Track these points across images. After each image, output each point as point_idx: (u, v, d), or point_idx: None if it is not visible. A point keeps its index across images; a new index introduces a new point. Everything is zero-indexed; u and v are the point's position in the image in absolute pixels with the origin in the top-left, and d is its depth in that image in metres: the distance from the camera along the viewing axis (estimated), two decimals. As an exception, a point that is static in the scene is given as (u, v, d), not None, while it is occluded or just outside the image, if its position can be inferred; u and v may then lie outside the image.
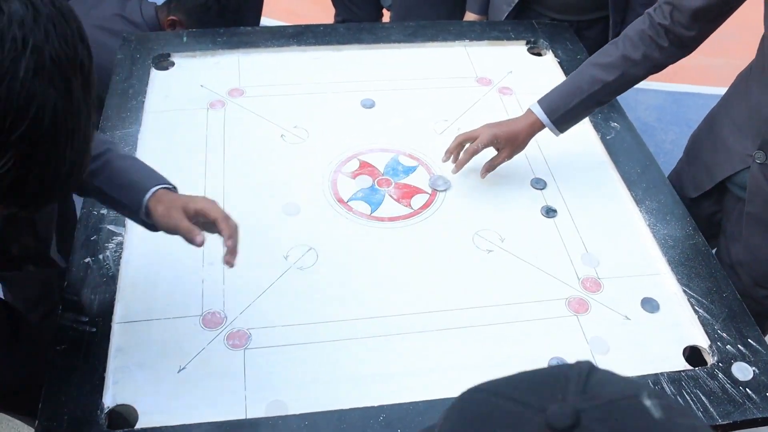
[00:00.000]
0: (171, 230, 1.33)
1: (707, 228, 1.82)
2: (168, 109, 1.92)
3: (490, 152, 1.73)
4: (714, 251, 1.75)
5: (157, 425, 1.29)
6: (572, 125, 1.74)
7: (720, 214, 1.83)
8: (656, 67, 1.64)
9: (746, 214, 1.65)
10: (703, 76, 3.08)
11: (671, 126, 3.52)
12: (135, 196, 1.32)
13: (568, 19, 2.29)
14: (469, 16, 2.46)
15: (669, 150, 2.85)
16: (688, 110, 3.46)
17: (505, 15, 2.28)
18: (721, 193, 1.78)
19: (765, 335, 1.86)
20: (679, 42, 1.59)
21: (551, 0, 2.26)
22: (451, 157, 1.74)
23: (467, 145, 1.71)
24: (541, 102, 1.70)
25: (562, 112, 1.68)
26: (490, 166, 1.74)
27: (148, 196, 1.32)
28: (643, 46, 1.60)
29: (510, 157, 1.73)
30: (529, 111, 1.71)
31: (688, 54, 1.64)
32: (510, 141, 1.70)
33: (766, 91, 1.55)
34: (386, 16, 3.00)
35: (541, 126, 1.70)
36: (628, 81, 1.66)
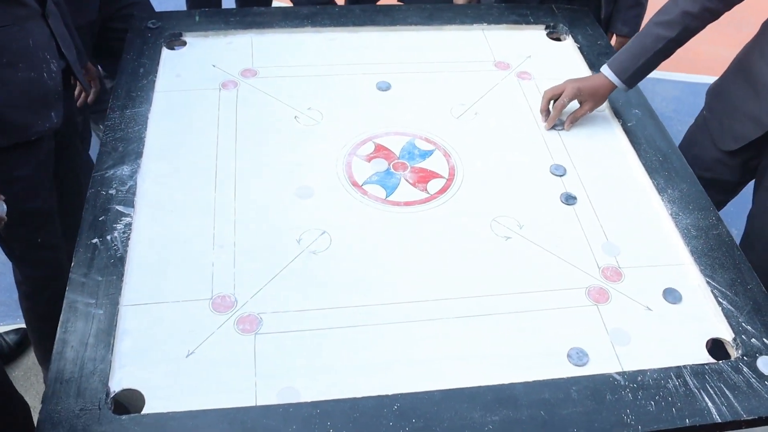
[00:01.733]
0: None
1: (741, 176, 1.92)
2: (179, 89, 1.88)
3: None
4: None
5: (164, 411, 1.25)
6: (640, 80, 1.87)
7: (757, 160, 1.86)
8: (714, 15, 1.75)
9: None
10: (722, 67, 3.01)
11: (688, 117, 3.43)
12: None
13: None
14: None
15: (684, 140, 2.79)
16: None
17: None
18: (765, 138, 1.80)
19: None
20: None
21: None
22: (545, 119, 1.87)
23: (555, 101, 1.85)
24: (610, 64, 1.84)
25: (631, 72, 1.82)
26: (574, 118, 1.86)
27: None
28: None
29: (592, 109, 1.87)
30: (601, 73, 1.85)
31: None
32: (592, 94, 1.85)
33: None
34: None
35: (614, 85, 1.84)
36: (689, 33, 1.77)
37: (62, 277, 1.49)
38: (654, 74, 3.68)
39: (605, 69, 1.84)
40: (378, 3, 2.56)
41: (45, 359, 2.14)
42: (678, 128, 3.45)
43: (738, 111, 1.82)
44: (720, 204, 2.07)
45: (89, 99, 2.08)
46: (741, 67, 1.84)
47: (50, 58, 1.73)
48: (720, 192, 2.01)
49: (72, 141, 2.00)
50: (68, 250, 1.78)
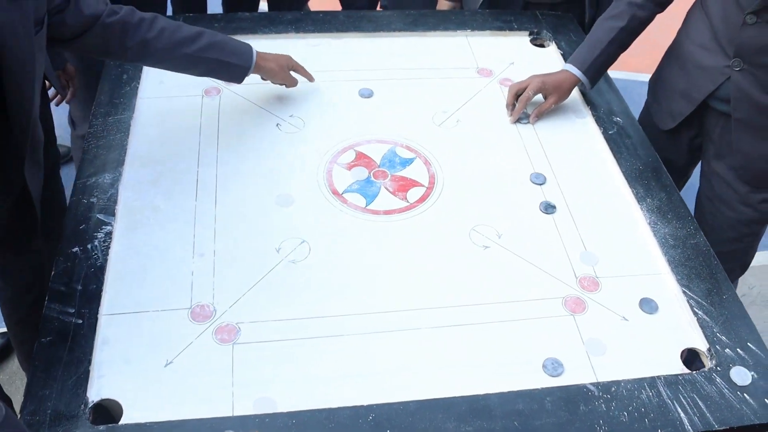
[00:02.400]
0: (280, 80, 1.86)
1: (688, 155, 2.00)
2: (162, 96, 1.88)
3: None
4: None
5: (143, 421, 1.26)
6: (600, 76, 1.96)
7: (699, 138, 1.95)
8: (658, 6, 1.86)
9: (734, 121, 1.78)
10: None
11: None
12: (245, 57, 1.76)
13: (543, 2, 2.30)
14: (443, 4, 2.44)
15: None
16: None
17: (480, 2, 2.30)
18: (701, 115, 1.90)
19: (755, 251, 2.03)
20: None
21: None
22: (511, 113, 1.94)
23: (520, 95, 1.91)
24: (571, 59, 1.94)
25: (589, 63, 1.90)
26: (539, 112, 1.92)
27: (255, 55, 1.77)
28: None
29: (557, 103, 1.93)
30: (564, 69, 1.93)
31: None
32: (556, 87, 1.91)
33: (727, 1, 1.70)
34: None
35: (577, 79, 1.92)
36: (638, 23, 1.88)
37: (43, 282, 1.50)
38: (639, 77, 3.71)
39: (567, 64, 1.93)
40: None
41: (28, 364, 2.15)
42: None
43: (672, 91, 1.92)
44: (677, 186, 2.11)
45: (66, 99, 2.08)
46: (672, 52, 1.95)
47: None
48: (673, 173, 2.03)
49: (48, 146, 2.00)
50: (49, 254, 1.79)
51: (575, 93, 2.00)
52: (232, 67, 1.74)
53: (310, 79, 1.90)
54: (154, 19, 1.62)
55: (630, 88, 3.64)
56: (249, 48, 1.77)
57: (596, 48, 1.89)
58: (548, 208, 1.68)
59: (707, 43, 1.80)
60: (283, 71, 1.84)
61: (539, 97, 1.92)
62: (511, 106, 1.92)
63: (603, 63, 1.92)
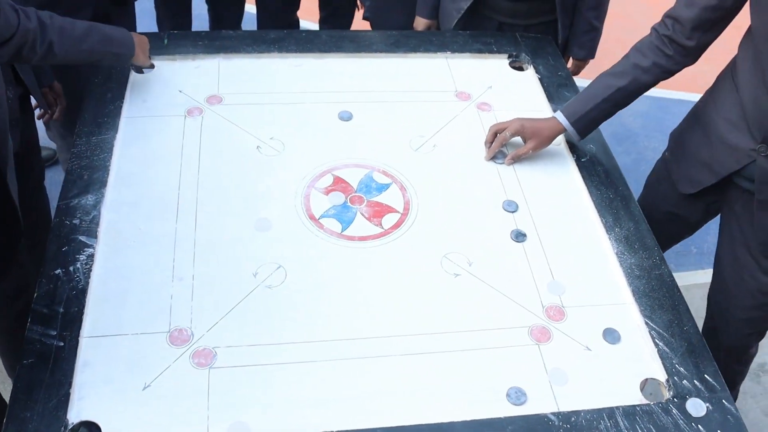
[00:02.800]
0: (141, 63, 1.98)
1: (704, 214, 2.01)
2: (145, 115, 1.92)
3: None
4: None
5: (120, 444, 1.31)
6: (592, 129, 1.93)
7: (718, 204, 1.95)
8: (665, 72, 1.82)
9: (757, 202, 1.77)
10: (690, 83, 3.09)
11: (655, 133, 3.54)
12: (128, 46, 1.89)
13: (517, 23, 2.34)
14: (419, 22, 2.49)
15: (651, 158, 2.84)
16: (673, 117, 3.44)
17: (455, 21, 2.33)
18: (724, 187, 1.87)
19: None
20: (683, 50, 1.76)
21: (500, 5, 2.30)
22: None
23: (498, 134, 1.90)
24: (563, 108, 1.91)
25: (579, 116, 1.88)
26: (515, 156, 1.91)
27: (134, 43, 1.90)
28: (652, 55, 1.79)
29: (534, 150, 1.91)
30: (553, 116, 1.91)
31: (693, 62, 1.81)
32: (535, 134, 1.90)
33: (759, 86, 1.66)
34: None
35: (563, 129, 1.90)
36: (639, 86, 1.84)
37: (29, 294, 1.53)
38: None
39: (557, 112, 1.91)
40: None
41: (13, 372, 2.18)
42: (644, 143, 3.53)
43: (694, 157, 1.89)
44: (683, 236, 2.19)
45: (55, 116, 2.12)
46: (697, 116, 1.91)
47: (6, 85, 1.76)
48: (685, 228, 2.11)
49: (34, 161, 2.04)
50: (34, 266, 1.83)
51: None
52: (121, 56, 1.88)
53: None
54: (52, 19, 1.68)
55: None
56: (129, 37, 1.90)
57: (590, 102, 1.86)
58: (519, 236, 1.73)
59: (735, 120, 1.75)
60: (145, 54, 1.98)
61: (518, 139, 1.92)
62: (489, 143, 1.92)
63: (595, 118, 1.89)
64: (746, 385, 2.68)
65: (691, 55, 1.78)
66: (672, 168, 1.99)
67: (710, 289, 2.09)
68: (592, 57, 2.46)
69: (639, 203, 1.88)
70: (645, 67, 1.80)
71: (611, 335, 1.55)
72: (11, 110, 1.78)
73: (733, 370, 2.19)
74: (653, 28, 1.80)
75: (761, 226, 1.78)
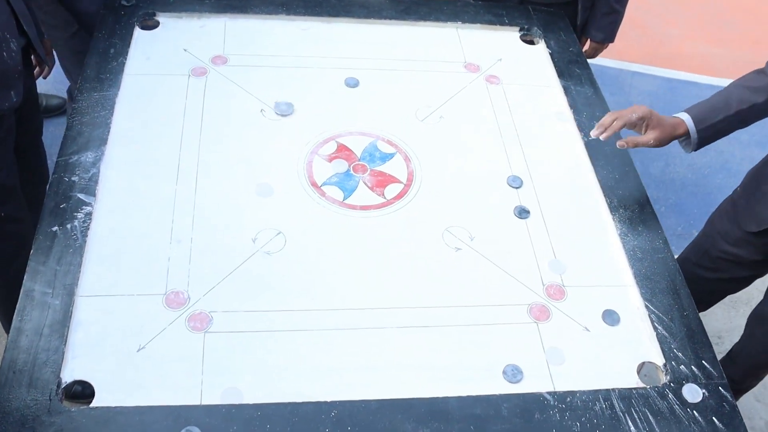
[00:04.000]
0: None
1: (763, 254, 1.90)
2: (149, 73, 1.89)
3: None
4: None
5: (113, 404, 1.30)
6: (711, 141, 1.77)
7: None
8: None
9: None
10: (702, 65, 3.03)
11: (662, 113, 3.48)
12: None
13: (538, 2, 2.29)
14: None
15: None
16: (682, 98, 3.43)
17: None
18: None
19: None
20: None
21: None
22: (603, 129, 1.73)
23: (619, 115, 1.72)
24: (689, 110, 1.74)
25: (708, 124, 1.72)
26: (633, 142, 1.73)
27: None
28: None
29: (655, 142, 1.73)
30: (678, 117, 1.75)
31: None
32: (660, 125, 1.72)
33: None
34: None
35: (686, 132, 1.74)
36: None
37: (28, 250, 1.52)
38: (632, 67, 3.72)
39: (683, 113, 1.76)
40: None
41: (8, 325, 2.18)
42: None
43: (763, 195, 1.81)
44: (744, 280, 2.09)
45: (44, 75, 2.08)
46: None
47: (10, 36, 1.73)
48: (742, 269, 2.02)
49: (33, 115, 2.01)
50: (34, 222, 1.81)
51: (560, 93, 2.02)
52: None
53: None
54: None
55: (621, 77, 3.66)
56: None
57: (721, 113, 1.71)
58: (522, 212, 1.71)
59: None
60: None
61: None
62: (603, 125, 1.72)
63: (719, 130, 1.75)
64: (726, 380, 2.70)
65: None
66: (739, 204, 1.90)
67: (751, 317, 2.07)
68: (611, 41, 2.41)
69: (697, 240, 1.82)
70: None
71: (610, 317, 1.54)
72: (15, 62, 1.75)
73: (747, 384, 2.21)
74: None
75: None
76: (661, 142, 1.74)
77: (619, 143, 1.73)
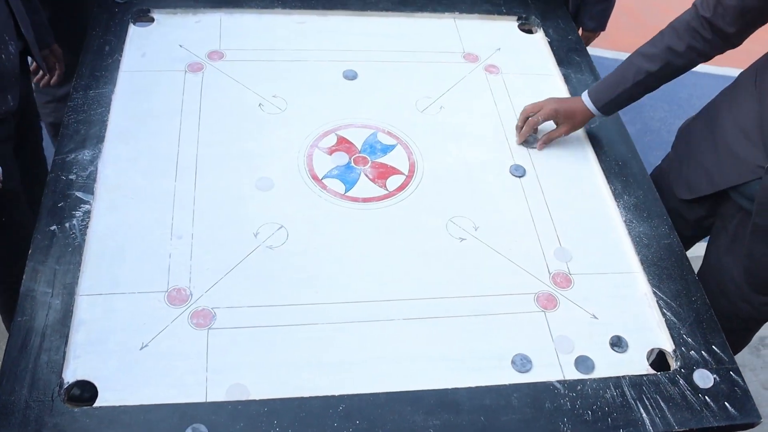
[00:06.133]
0: None
1: (694, 231, 1.87)
2: (145, 70, 1.86)
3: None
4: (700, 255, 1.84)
5: (117, 404, 1.28)
6: (619, 109, 1.83)
7: (711, 219, 1.82)
8: (700, 56, 1.67)
9: (753, 225, 1.64)
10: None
11: (660, 103, 3.48)
12: None
13: None
14: None
15: (656, 128, 2.81)
16: (680, 88, 3.42)
17: None
18: (719, 200, 1.77)
19: (747, 343, 1.96)
20: (722, 36, 1.61)
21: None
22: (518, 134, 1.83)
23: (530, 118, 1.80)
24: (589, 91, 1.80)
25: (606, 101, 1.77)
26: (547, 139, 1.83)
27: None
28: (688, 38, 1.64)
29: (568, 132, 1.83)
30: (580, 98, 1.81)
31: (733, 47, 1.65)
32: (569, 117, 1.80)
33: None
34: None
35: (592, 114, 1.80)
36: (672, 71, 1.70)
37: None
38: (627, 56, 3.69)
39: (584, 95, 1.80)
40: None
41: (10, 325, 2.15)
42: (649, 114, 3.48)
43: (697, 163, 1.78)
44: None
45: (53, 81, 2.05)
46: (710, 117, 1.79)
47: (8, 39, 1.70)
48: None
49: (31, 119, 1.99)
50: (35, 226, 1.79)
51: (560, 82, 2.00)
52: None
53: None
54: None
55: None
56: None
57: (619, 86, 1.75)
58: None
59: (749, 131, 1.62)
60: None
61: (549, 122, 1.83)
62: (520, 128, 1.82)
63: (621, 102, 1.78)
64: (746, 359, 2.68)
65: (730, 42, 1.62)
66: (672, 167, 1.88)
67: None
68: (603, 29, 2.40)
69: None
70: (679, 52, 1.65)
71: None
72: (13, 65, 1.73)
73: None
74: (694, 5, 1.64)
75: (752, 252, 1.67)
76: (574, 130, 1.84)
77: (539, 147, 1.82)
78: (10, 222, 1.87)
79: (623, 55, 3.65)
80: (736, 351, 1.96)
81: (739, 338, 1.93)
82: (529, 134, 1.82)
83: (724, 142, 1.69)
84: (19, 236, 1.91)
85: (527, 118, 1.80)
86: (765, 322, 1.85)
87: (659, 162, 1.98)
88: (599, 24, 2.34)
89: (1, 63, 1.68)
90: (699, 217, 1.84)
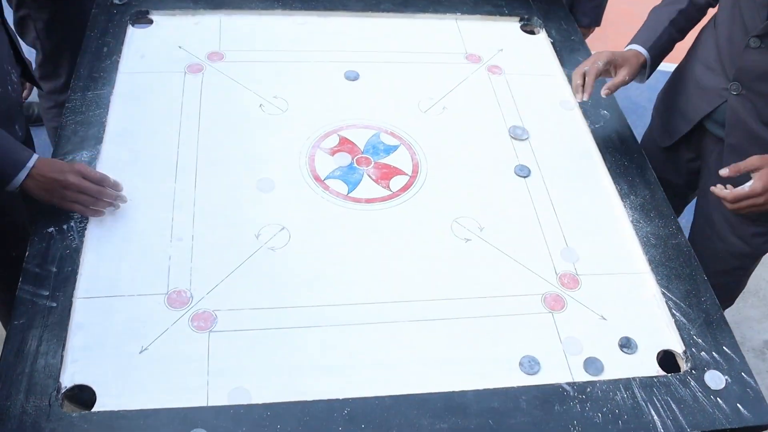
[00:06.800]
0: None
1: (686, 178, 1.97)
2: (144, 71, 1.84)
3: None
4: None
5: (116, 408, 1.25)
6: (659, 61, 1.87)
7: (698, 162, 1.92)
8: None
9: (726, 146, 1.75)
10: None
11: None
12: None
13: None
14: None
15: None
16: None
17: None
18: (699, 138, 1.87)
19: (744, 286, 2.01)
20: None
21: None
22: (582, 91, 1.77)
23: (586, 69, 1.76)
24: (633, 40, 1.86)
25: (652, 42, 1.82)
26: (612, 86, 1.77)
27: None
28: None
29: (629, 78, 1.79)
30: (632, 49, 1.84)
31: None
32: (627, 61, 1.79)
33: (735, 21, 1.67)
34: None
35: (645, 59, 1.83)
36: (696, 9, 1.84)
37: (25, 242, 1.46)
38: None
39: (630, 45, 1.85)
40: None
41: (6, 321, 2.10)
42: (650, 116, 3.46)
43: (673, 108, 1.90)
44: (676, 210, 2.10)
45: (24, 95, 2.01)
46: (680, 69, 1.93)
47: (10, 68, 1.66)
48: (672, 196, 2.02)
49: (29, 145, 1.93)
50: (29, 215, 1.74)
51: (564, 82, 1.98)
52: None
53: (117, 188, 1.55)
54: None
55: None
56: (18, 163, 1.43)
57: (657, 28, 1.83)
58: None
59: (711, 63, 1.76)
60: (57, 198, 1.47)
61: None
62: (579, 87, 1.75)
63: (663, 46, 1.84)
64: (751, 362, 2.64)
65: None
66: (655, 124, 2.00)
67: None
68: (597, 25, 2.40)
69: None
70: None
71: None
72: (17, 94, 1.69)
73: None
74: None
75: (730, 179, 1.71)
76: (633, 76, 1.81)
77: (603, 93, 1.77)
78: (18, 258, 1.81)
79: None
80: (735, 296, 2.06)
81: (736, 279, 1.97)
82: (593, 84, 1.75)
83: (692, 81, 1.83)
84: (14, 226, 1.87)
85: (582, 75, 1.75)
86: (759, 258, 1.92)
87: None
88: (593, 20, 2.34)
89: (6, 94, 1.63)
90: (686, 161, 1.95)
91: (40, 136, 2.60)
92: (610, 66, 1.77)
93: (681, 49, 1.95)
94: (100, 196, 1.49)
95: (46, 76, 2.42)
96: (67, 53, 2.34)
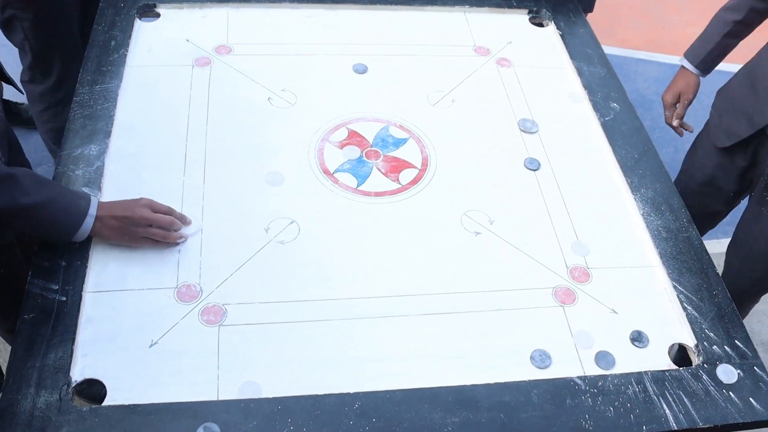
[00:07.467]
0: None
1: (738, 183, 1.98)
2: (151, 65, 1.83)
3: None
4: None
5: (126, 402, 1.25)
6: (714, 65, 2.03)
7: (752, 171, 1.92)
8: None
9: None
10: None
11: (670, 99, 3.45)
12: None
13: None
14: None
15: (665, 125, 2.78)
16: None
17: None
18: (758, 144, 1.86)
19: None
20: None
21: None
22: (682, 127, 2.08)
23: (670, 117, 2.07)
24: (686, 55, 2.03)
25: (702, 58, 1.99)
26: (679, 116, 2.06)
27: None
28: None
29: (690, 102, 2.06)
30: (680, 66, 2.06)
31: None
32: (687, 91, 2.05)
33: None
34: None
35: (693, 73, 2.03)
36: (757, 15, 1.89)
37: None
38: (637, 54, 3.68)
39: (683, 61, 2.03)
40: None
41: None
42: (658, 110, 3.43)
43: (736, 108, 1.88)
44: (720, 214, 2.17)
45: None
46: (749, 69, 1.90)
47: None
48: (719, 201, 2.06)
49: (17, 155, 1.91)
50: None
51: (573, 75, 1.97)
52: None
53: (184, 221, 1.51)
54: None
55: (625, 64, 3.62)
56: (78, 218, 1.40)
57: (710, 42, 1.95)
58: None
59: None
60: (128, 235, 1.44)
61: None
62: (671, 117, 2.07)
63: (716, 56, 1.98)
64: (761, 357, 2.64)
65: None
66: (713, 122, 1.99)
67: (728, 248, 2.08)
68: (590, 10, 2.39)
69: (678, 178, 1.92)
70: None
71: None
72: (1, 121, 1.64)
73: None
74: None
75: None
76: (694, 95, 2.05)
77: (680, 129, 2.05)
78: (5, 276, 1.79)
79: (631, 53, 3.64)
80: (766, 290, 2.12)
81: None
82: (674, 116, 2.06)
83: (763, 82, 1.80)
84: (14, 289, 1.83)
85: (674, 105, 2.06)
86: None
87: (671, 161, 2.07)
88: (587, 5, 2.33)
89: None
90: (741, 168, 1.94)
91: (29, 140, 2.56)
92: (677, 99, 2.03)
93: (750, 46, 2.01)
94: (171, 226, 1.47)
95: (37, 79, 2.41)
96: (57, 50, 2.32)
